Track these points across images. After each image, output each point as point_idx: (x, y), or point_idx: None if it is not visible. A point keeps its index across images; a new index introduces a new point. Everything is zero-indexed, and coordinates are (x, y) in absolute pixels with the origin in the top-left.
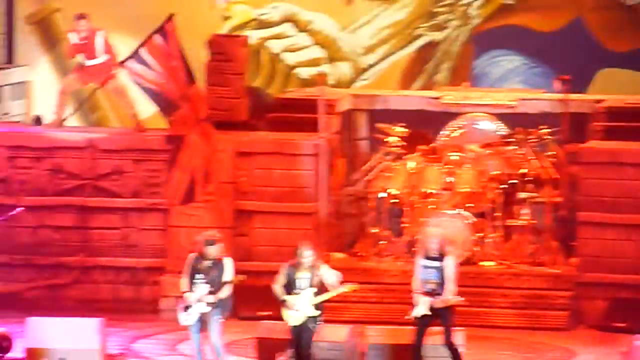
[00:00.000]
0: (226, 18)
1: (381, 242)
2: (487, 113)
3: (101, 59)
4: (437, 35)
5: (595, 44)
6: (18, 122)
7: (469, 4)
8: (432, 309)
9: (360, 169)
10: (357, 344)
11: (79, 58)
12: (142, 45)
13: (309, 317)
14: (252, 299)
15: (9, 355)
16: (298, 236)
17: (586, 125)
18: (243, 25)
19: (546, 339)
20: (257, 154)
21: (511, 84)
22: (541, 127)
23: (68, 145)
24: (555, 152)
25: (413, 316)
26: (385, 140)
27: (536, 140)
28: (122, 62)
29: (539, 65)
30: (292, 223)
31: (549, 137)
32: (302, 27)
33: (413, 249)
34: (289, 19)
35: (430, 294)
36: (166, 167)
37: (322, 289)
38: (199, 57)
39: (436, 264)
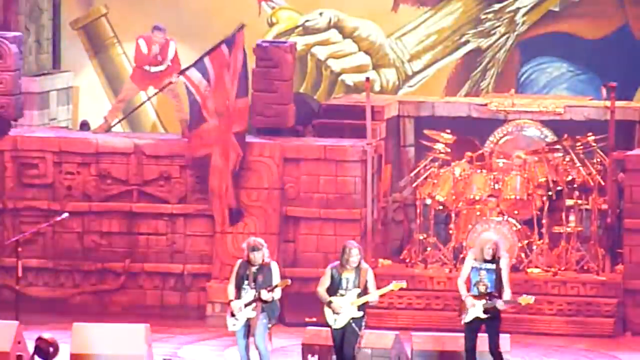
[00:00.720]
0: (272, 24)
1: (427, 249)
2: (533, 120)
3: (165, 65)
4: (483, 42)
5: None
6: (64, 127)
7: (515, 11)
8: (485, 312)
9: (407, 175)
10: (402, 350)
11: (146, 67)
12: (207, 53)
13: (353, 318)
14: (299, 305)
15: None
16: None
17: (632, 133)
18: (289, 32)
19: (592, 346)
20: (303, 160)
21: (557, 91)
22: (588, 134)
23: (115, 151)
24: (601, 160)
25: (466, 321)
26: (432, 146)
27: (583, 147)
28: (185, 70)
29: (585, 73)
30: (338, 229)
31: (596, 144)
32: (347, 34)
33: (460, 255)
34: (334, 26)
35: (482, 296)
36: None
37: (366, 290)
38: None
39: (490, 266)
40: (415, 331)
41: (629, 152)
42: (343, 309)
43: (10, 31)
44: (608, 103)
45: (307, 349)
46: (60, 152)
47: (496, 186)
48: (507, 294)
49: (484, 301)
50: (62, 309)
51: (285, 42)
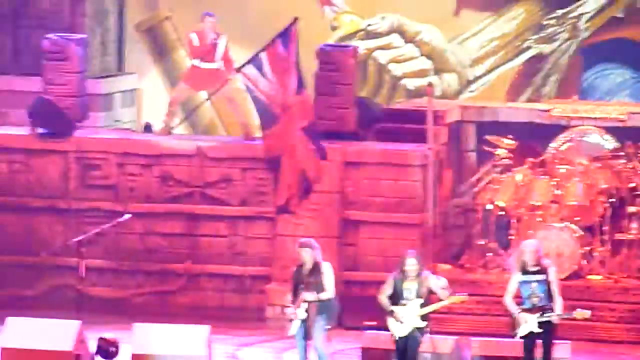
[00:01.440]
0: (334, 28)
1: (488, 254)
2: (596, 126)
3: (217, 64)
4: (545, 48)
5: None
6: (128, 129)
7: (578, 17)
8: (540, 325)
9: (468, 180)
10: (461, 356)
11: (196, 61)
12: (263, 49)
13: (416, 328)
14: (358, 309)
15: None
16: (405, 247)
17: None
18: (351, 36)
19: None
20: (364, 164)
21: (619, 98)
22: None
23: (177, 153)
24: None
25: (520, 335)
26: (493, 152)
27: None
28: (240, 68)
29: None
30: (399, 234)
31: None
32: (409, 38)
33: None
34: (396, 30)
35: (535, 310)
36: (272, 176)
37: (428, 299)
38: (307, 66)
39: (540, 277)
40: (475, 336)
41: None
42: (405, 319)
43: (76, 33)
44: None
45: (366, 352)
46: (124, 154)
47: (558, 192)
48: (559, 305)
49: (537, 315)
50: (124, 309)
51: (347, 46)
